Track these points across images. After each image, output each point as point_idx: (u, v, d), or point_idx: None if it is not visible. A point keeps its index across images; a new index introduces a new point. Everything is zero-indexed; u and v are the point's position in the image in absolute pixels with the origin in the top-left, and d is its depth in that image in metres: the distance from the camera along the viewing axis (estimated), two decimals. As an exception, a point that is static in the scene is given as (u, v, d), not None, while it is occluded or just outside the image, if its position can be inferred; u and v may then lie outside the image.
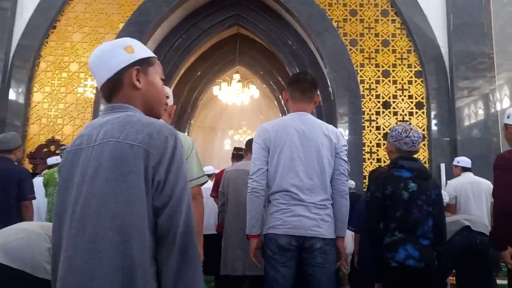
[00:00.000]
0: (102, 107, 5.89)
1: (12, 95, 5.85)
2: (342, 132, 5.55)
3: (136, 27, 5.99)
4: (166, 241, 0.89)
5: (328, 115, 6.38)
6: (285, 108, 9.18)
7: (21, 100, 5.90)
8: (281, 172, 1.99)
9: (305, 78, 2.16)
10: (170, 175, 0.92)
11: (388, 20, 6.14)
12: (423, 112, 5.97)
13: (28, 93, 5.96)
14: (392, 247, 2.09)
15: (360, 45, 6.11)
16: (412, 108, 5.99)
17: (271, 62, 9.00)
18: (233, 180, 3.18)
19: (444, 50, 5.94)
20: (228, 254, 2.93)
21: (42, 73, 6.08)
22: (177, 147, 0.95)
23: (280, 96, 9.58)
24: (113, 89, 1.05)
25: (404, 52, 6.08)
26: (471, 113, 5.77)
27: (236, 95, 9.37)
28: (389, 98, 6.01)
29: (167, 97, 2.02)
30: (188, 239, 0.90)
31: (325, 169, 2.00)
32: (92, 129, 1.00)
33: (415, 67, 6.05)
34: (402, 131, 2.24)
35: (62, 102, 6.07)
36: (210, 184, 4.24)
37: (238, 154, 4.17)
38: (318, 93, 2.17)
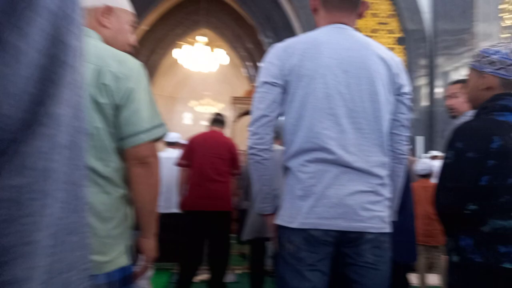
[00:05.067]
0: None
1: None
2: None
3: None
4: None
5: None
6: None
7: None
8: (309, 118, 1.19)
9: None
10: None
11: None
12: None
13: None
14: (506, 236, 1.20)
15: None
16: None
17: (240, 26, 8.32)
18: None
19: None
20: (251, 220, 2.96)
21: None
22: None
23: (249, 63, 8.94)
24: None
25: None
26: None
27: (201, 60, 8.56)
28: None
29: None
30: None
31: (381, 112, 1.22)
32: None
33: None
34: (511, 52, 1.34)
35: None
36: (173, 153, 3.67)
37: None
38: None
